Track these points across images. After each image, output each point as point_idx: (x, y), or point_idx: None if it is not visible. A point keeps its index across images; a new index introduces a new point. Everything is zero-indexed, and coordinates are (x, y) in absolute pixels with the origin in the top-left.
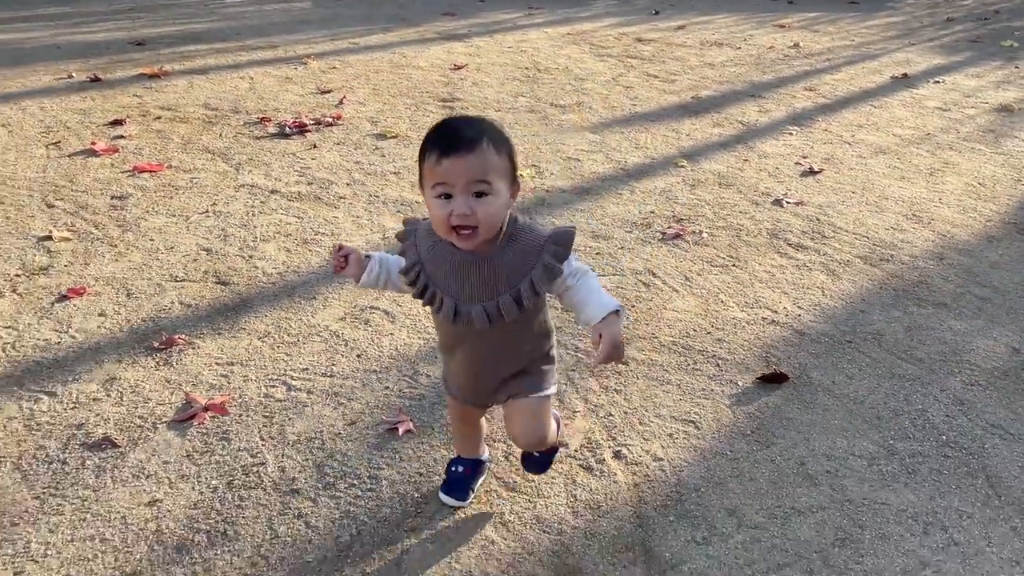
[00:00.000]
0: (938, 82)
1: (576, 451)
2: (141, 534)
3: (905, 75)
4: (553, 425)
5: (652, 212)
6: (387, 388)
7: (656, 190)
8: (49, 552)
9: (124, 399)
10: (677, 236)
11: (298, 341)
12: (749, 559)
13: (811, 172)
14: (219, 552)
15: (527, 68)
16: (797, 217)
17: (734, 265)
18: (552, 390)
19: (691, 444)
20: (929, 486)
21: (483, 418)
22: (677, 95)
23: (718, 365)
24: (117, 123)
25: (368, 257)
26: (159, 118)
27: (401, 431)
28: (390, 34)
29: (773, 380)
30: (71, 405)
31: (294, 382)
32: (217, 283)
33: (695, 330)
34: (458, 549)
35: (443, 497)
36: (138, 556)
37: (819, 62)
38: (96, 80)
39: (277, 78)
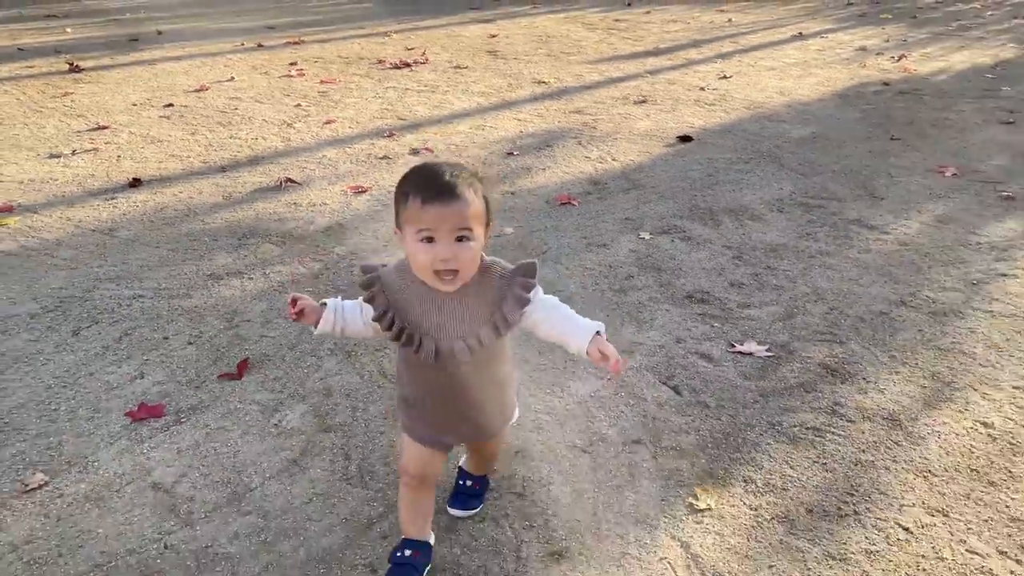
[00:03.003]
0: (823, 37)
1: (594, 159)
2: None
3: (800, 33)
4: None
5: (628, 94)
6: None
7: (631, 85)
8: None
9: (383, 151)
10: (643, 102)
11: (449, 132)
12: (637, 203)
13: (724, 77)
14: None
15: (540, 36)
16: (712, 95)
17: (673, 111)
18: (516, 415)
19: (649, 159)
20: (754, 167)
21: (433, 487)
22: (644, 47)
23: (662, 138)
24: (293, 64)
25: (323, 304)
26: (316, 62)
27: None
28: (438, 19)
29: (686, 139)
30: (360, 150)
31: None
32: (399, 119)
33: (650, 130)
34: None
35: None
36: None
37: (744, 29)
38: (260, 46)
39: (375, 43)
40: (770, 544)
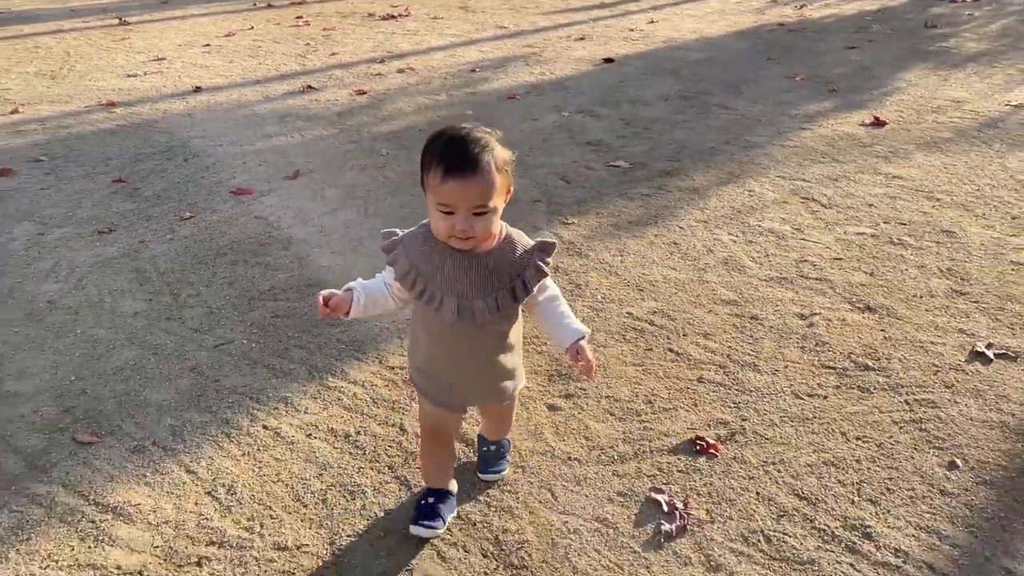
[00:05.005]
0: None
1: (536, 74)
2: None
3: None
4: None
5: (571, 34)
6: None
7: (574, 29)
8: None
9: (377, 71)
10: (582, 39)
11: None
12: (564, 98)
13: (652, 22)
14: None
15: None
16: (638, 34)
17: (604, 45)
18: (523, 382)
19: (578, 73)
20: (656, 77)
21: (454, 441)
22: (592, 2)
23: (591, 61)
24: (299, 17)
25: (348, 290)
26: (318, 16)
27: None
28: None
29: (609, 61)
30: (360, 71)
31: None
32: (388, 52)
33: (583, 56)
34: None
35: (414, 529)
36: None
37: None
38: (270, 6)
39: (366, 3)
40: (603, 230)
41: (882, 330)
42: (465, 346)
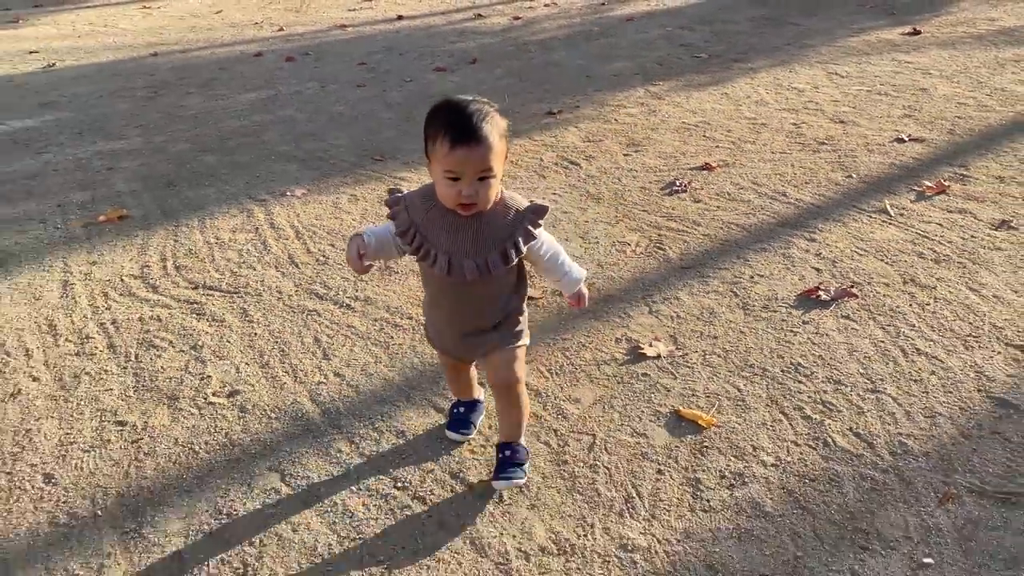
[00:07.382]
0: None
1: (652, 5)
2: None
3: None
4: (524, 372)
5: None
6: None
7: None
8: None
9: (528, 4)
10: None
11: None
12: (670, 19)
13: None
14: None
15: None
16: None
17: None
18: (525, 340)
19: (687, 5)
20: (747, 6)
21: (472, 366)
22: None
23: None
24: None
25: (358, 235)
26: None
27: None
28: None
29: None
30: (517, 4)
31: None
32: None
33: (667, 0)
34: None
35: (449, 434)
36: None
37: None
38: None
39: None
40: (678, 87)
41: (844, 132)
42: (456, 300)
